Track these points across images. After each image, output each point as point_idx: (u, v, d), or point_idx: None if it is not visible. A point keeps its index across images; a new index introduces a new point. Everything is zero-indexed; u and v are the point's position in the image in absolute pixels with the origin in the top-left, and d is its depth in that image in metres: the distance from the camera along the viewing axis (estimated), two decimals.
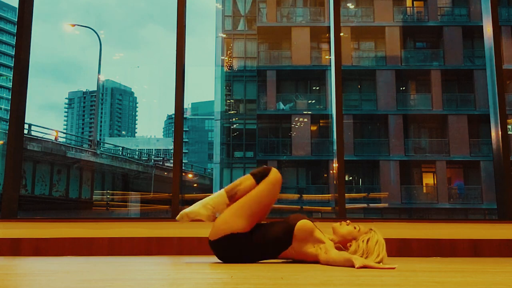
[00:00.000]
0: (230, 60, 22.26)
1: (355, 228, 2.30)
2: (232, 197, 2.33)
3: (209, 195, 2.46)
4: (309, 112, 20.60)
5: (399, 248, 3.44)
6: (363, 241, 2.21)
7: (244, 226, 2.28)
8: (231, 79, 22.38)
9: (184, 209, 2.44)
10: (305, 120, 20.53)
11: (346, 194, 3.68)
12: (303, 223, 2.27)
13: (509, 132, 5.36)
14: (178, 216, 2.38)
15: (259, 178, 2.33)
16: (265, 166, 2.40)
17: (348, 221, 2.36)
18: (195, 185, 25.23)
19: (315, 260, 2.26)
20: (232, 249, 2.30)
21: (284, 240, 2.28)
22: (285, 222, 2.32)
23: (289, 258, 2.35)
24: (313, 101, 21.14)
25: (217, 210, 2.36)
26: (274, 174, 2.34)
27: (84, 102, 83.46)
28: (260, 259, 2.37)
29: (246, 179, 2.35)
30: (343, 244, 2.29)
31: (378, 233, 2.26)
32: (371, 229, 2.28)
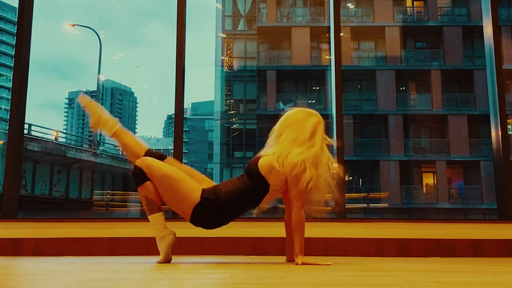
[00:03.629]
0: (230, 60, 22.26)
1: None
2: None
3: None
4: None
5: (399, 248, 3.44)
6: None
7: (192, 195, 2.26)
8: (231, 79, 22.39)
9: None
10: None
11: (346, 194, 3.68)
12: (262, 161, 2.31)
13: (509, 132, 5.35)
14: (81, 97, 2.48)
15: (145, 178, 2.27)
16: (132, 171, 2.31)
17: None
18: None
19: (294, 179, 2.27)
20: (209, 215, 2.28)
21: (261, 186, 2.29)
22: (248, 172, 2.33)
23: (275, 198, 2.37)
24: (313, 101, 21.13)
25: (102, 126, 2.43)
26: (142, 163, 2.30)
27: None
28: (243, 213, 2.38)
29: (144, 190, 2.27)
30: None
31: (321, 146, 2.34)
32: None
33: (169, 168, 2.32)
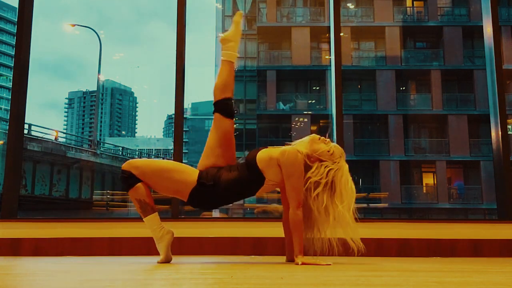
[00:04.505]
0: None
1: (329, 151, 2.28)
2: (146, 211, 2.29)
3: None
4: (309, 112, 20.60)
5: (399, 248, 3.44)
6: (326, 167, 2.24)
7: (188, 181, 2.26)
8: None
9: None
10: (305, 120, 20.53)
11: None
12: (261, 153, 2.28)
13: (509, 132, 5.35)
14: (240, 13, 2.55)
15: (135, 180, 2.26)
16: (121, 176, 2.30)
17: (328, 140, 2.34)
18: None
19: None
20: (205, 199, 2.28)
21: (256, 179, 2.27)
22: (246, 162, 2.30)
23: (271, 190, 2.35)
24: (313, 101, 21.14)
25: (227, 47, 2.47)
26: (130, 166, 2.28)
27: (84, 102, 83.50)
28: (237, 200, 2.37)
29: (136, 193, 2.26)
30: (308, 158, 2.28)
31: (346, 166, 2.28)
32: (341, 155, 2.29)
33: (158, 162, 2.35)
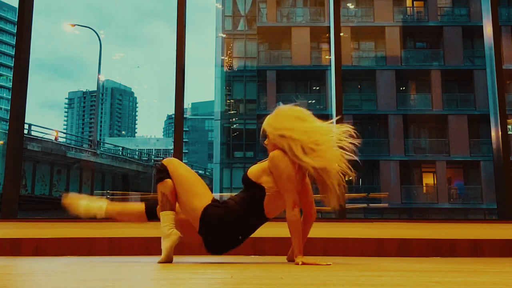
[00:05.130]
0: (230, 60, 22.26)
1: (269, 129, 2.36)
2: (165, 206, 2.33)
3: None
4: None
5: (399, 248, 3.45)
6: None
7: (205, 199, 2.31)
8: (231, 79, 22.40)
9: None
10: None
11: (346, 194, 3.68)
12: (251, 169, 2.35)
13: (509, 132, 5.35)
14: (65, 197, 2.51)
15: (166, 175, 2.33)
16: (157, 167, 2.43)
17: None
18: None
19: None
20: (218, 224, 2.28)
21: (257, 191, 2.30)
22: (243, 183, 2.37)
23: (278, 203, 2.34)
24: (313, 101, 21.14)
25: (92, 213, 2.47)
26: (168, 162, 2.36)
27: (84, 102, 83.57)
28: (251, 227, 2.38)
29: (163, 186, 2.32)
30: (278, 148, 2.30)
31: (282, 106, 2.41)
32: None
33: (190, 172, 2.40)
